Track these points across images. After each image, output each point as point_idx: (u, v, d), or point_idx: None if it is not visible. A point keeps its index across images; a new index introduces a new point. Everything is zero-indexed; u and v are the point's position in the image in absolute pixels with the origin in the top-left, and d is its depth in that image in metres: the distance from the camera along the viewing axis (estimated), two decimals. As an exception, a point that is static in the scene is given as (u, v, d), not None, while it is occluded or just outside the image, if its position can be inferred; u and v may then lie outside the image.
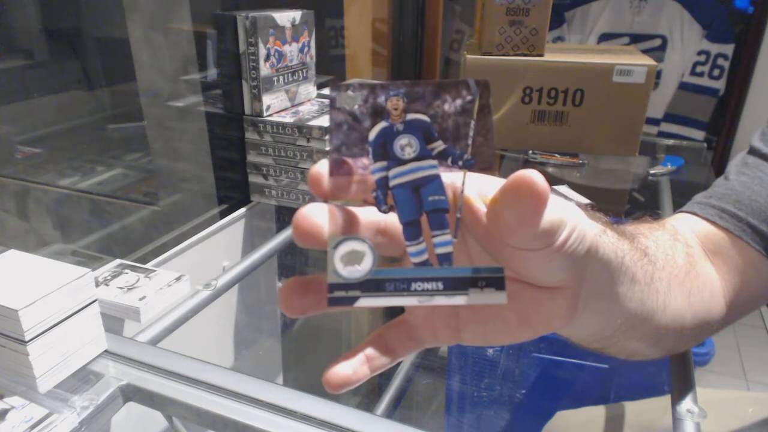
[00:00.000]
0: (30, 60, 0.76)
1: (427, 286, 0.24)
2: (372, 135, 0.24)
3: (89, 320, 0.47)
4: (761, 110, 1.91)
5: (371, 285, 0.24)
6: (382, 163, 0.24)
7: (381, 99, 0.24)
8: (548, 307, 0.29)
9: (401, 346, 0.30)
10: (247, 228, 0.95)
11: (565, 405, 0.83)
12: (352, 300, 0.24)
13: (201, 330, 0.76)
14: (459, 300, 0.24)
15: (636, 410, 0.74)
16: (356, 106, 0.24)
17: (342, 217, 0.25)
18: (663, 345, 0.43)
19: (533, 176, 0.22)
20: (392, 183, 0.24)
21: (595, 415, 0.75)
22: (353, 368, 0.27)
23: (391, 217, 0.25)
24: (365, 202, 0.26)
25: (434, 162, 0.24)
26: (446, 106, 0.24)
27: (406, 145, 0.24)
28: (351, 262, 0.24)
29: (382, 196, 0.25)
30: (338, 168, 0.24)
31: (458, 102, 0.24)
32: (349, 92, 0.24)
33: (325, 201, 0.25)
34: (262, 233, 0.97)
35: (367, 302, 0.24)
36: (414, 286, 0.24)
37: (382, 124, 0.24)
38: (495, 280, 0.24)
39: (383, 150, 0.24)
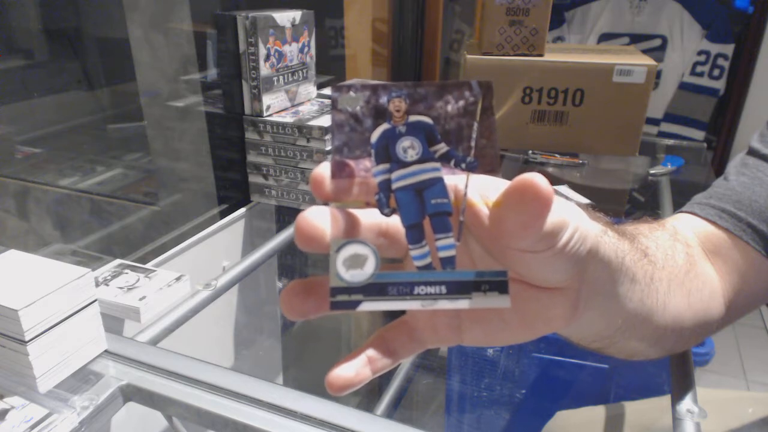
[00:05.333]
0: (30, 60, 0.76)
1: (430, 290, 0.24)
2: (374, 137, 0.24)
3: (89, 320, 0.47)
4: (761, 110, 1.91)
5: (374, 289, 0.24)
6: (385, 166, 0.24)
7: (383, 100, 0.24)
8: (549, 307, 0.29)
9: (403, 347, 0.30)
10: (247, 228, 0.95)
11: (565, 405, 0.83)
12: (355, 304, 0.24)
13: (201, 330, 0.76)
14: (462, 304, 0.24)
15: (636, 410, 0.74)
16: (358, 108, 0.24)
17: (344, 219, 0.25)
18: (663, 345, 0.43)
19: (537, 180, 0.22)
20: (395, 186, 0.24)
21: (595, 415, 0.75)
22: (356, 370, 0.27)
23: (393, 218, 0.25)
24: (367, 205, 0.26)
25: (437, 164, 0.24)
26: (449, 108, 0.24)
27: (408, 147, 0.24)
28: (353, 265, 0.23)
29: (385, 198, 0.24)
30: (340, 170, 0.24)
31: (461, 103, 0.24)
32: (351, 93, 0.23)
33: (327, 203, 0.25)
34: (262, 233, 0.97)
35: (369, 306, 0.24)
36: (417, 289, 0.24)
37: (384, 126, 0.24)
38: (498, 284, 0.24)
39: (385, 152, 0.24)
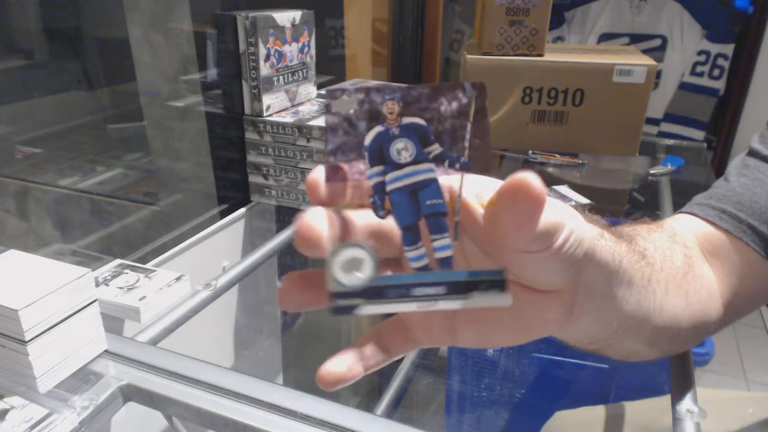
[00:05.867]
0: (30, 60, 0.76)
1: (429, 291, 0.24)
2: (368, 140, 0.24)
3: (89, 320, 0.47)
4: (761, 110, 1.90)
5: (373, 292, 0.24)
6: (379, 168, 0.24)
7: (376, 103, 0.24)
8: (544, 310, 0.29)
9: (396, 346, 0.30)
10: (247, 228, 0.95)
11: (565, 405, 0.83)
12: (354, 308, 0.24)
13: (201, 330, 0.76)
14: (462, 304, 0.24)
15: (636, 410, 0.74)
16: (351, 111, 0.24)
17: (338, 222, 0.25)
18: (660, 346, 0.43)
19: (529, 179, 0.22)
20: (389, 188, 0.24)
21: (594, 415, 0.75)
22: (347, 366, 0.27)
23: (388, 220, 0.25)
24: (362, 207, 0.26)
25: (431, 165, 0.24)
26: (442, 109, 0.24)
27: (402, 149, 0.24)
28: (351, 269, 0.23)
29: (380, 201, 0.25)
30: (334, 174, 0.24)
31: (454, 105, 0.24)
32: (344, 97, 0.24)
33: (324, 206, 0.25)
34: (262, 233, 0.97)
35: (369, 310, 0.24)
36: (416, 291, 0.24)
37: (378, 129, 0.24)
38: (497, 283, 0.24)
39: (380, 154, 0.24)
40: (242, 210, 0.93)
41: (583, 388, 0.98)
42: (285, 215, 0.97)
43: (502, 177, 0.26)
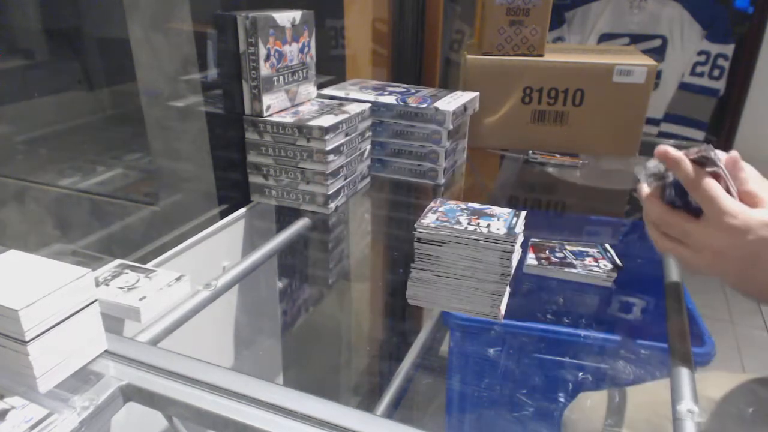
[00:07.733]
0: (30, 60, 0.76)
1: None
2: None
3: (89, 320, 0.47)
4: (761, 110, 1.90)
5: None
6: None
7: None
8: None
9: None
10: (247, 228, 0.95)
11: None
12: None
13: (201, 330, 0.76)
14: None
15: (660, 388, 0.75)
16: None
17: None
18: None
19: None
20: None
21: (617, 395, 0.76)
22: None
23: None
24: None
25: None
26: None
27: None
28: None
29: None
30: None
31: None
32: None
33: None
34: (262, 233, 0.97)
35: None
36: None
37: None
38: None
39: None
40: (242, 210, 0.93)
41: (584, 388, 0.98)
42: (285, 215, 0.97)
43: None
